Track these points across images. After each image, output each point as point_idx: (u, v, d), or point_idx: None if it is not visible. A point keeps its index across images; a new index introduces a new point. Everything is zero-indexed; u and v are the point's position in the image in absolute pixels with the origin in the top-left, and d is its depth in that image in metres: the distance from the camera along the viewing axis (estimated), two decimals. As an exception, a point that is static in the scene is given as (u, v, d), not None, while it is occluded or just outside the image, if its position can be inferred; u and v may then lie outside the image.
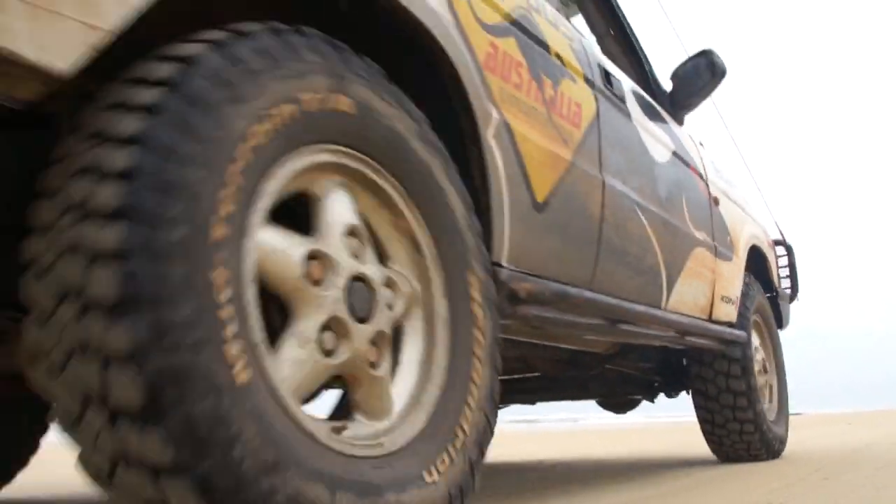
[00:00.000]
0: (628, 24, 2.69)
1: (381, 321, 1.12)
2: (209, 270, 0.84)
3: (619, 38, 2.67)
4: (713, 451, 3.06)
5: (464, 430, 1.19)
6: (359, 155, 1.14)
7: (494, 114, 1.46)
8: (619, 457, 3.99)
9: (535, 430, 10.20)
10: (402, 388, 1.18)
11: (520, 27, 1.64)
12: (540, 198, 1.61)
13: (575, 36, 1.96)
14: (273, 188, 1.00)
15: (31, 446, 2.23)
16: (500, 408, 1.85)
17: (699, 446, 3.23)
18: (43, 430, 2.21)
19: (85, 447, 0.83)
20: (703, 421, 2.97)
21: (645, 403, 3.53)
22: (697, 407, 2.97)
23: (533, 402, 3.56)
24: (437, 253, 1.25)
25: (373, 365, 1.11)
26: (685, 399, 3.40)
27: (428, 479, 1.09)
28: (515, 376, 3.11)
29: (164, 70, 0.88)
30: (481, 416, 1.24)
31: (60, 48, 0.80)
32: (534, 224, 1.59)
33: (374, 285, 1.11)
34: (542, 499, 2.06)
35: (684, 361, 3.10)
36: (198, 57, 0.90)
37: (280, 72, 0.99)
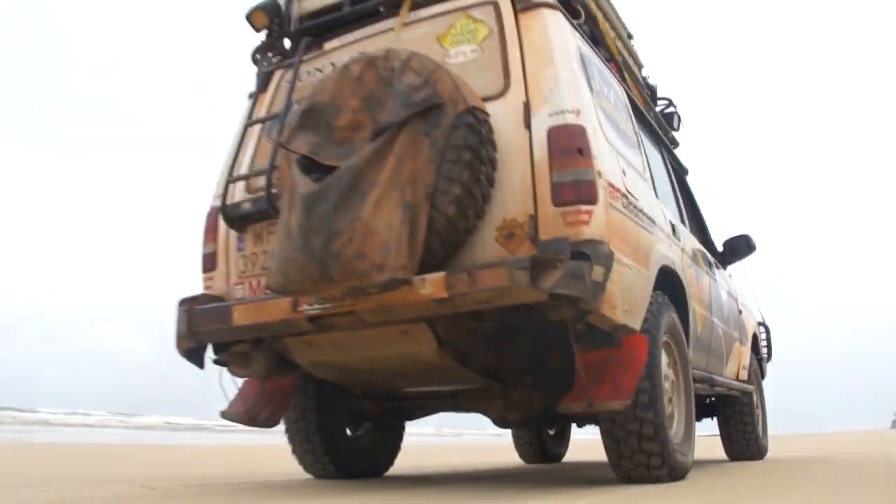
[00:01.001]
0: (700, 211, 4.80)
1: (672, 398, 3.14)
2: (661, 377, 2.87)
3: (696, 220, 4.77)
4: (727, 453, 5.19)
5: (691, 436, 3.23)
6: (666, 335, 3.16)
7: (693, 305, 3.52)
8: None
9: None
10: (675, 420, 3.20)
11: (695, 260, 3.73)
12: (698, 333, 3.68)
13: (699, 247, 4.06)
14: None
15: (399, 446, 4.11)
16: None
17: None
18: (401, 437, 4.10)
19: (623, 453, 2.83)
20: (723, 434, 5.10)
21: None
22: (721, 426, 5.10)
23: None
24: (680, 366, 3.28)
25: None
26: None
27: (687, 453, 3.11)
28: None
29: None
30: (695, 428, 3.29)
31: (637, 319, 2.80)
32: (695, 345, 3.65)
33: (671, 385, 3.15)
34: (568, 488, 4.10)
35: (709, 400, 5.22)
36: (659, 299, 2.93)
37: (666, 310, 3.02)
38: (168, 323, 3.07)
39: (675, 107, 4.68)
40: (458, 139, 2.44)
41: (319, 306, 2.62)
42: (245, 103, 3.46)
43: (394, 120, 2.43)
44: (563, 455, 6.17)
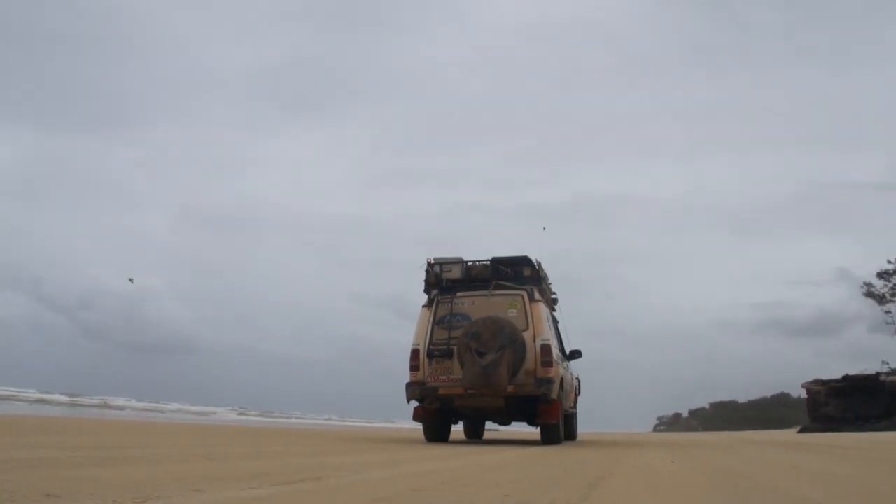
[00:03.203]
0: (562, 335, 11.55)
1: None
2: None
3: (560, 340, 11.47)
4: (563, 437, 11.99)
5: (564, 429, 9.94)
6: (561, 399, 9.78)
7: (565, 385, 10.20)
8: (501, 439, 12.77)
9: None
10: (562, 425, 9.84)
11: (565, 367, 10.50)
12: (566, 393, 10.37)
13: (564, 357, 10.83)
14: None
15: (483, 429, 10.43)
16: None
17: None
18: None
19: (550, 434, 9.45)
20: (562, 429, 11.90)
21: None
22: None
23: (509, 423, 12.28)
24: (563, 406, 9.93)
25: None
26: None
27: (564, 436, 9.78)
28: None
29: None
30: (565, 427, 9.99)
31: (556, 395, 9.40)
32: (565, 399, 10.33)
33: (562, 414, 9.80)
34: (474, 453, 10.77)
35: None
36: (559, 387, 9.59)
37: (560, 390, 9.65)
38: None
39: (556, 294, 11.37)
40: (520, 350, 8.94)
41: (472, 391, 8.92)
42: (418, 308, 9.62)
43: (506, 344, 8.84)
44: (482, 436, 12.75)
